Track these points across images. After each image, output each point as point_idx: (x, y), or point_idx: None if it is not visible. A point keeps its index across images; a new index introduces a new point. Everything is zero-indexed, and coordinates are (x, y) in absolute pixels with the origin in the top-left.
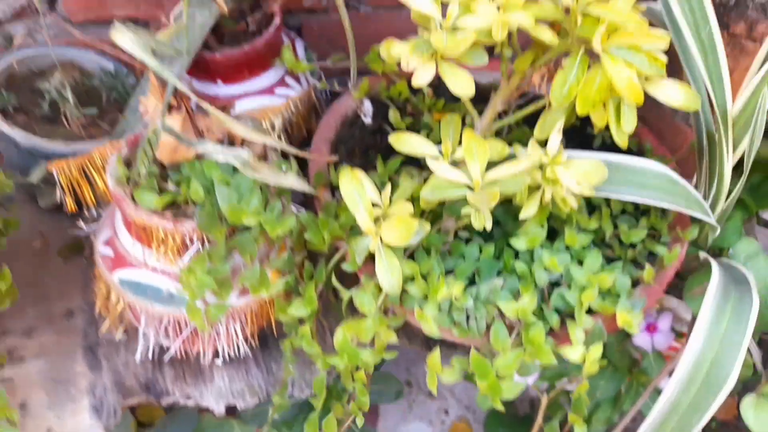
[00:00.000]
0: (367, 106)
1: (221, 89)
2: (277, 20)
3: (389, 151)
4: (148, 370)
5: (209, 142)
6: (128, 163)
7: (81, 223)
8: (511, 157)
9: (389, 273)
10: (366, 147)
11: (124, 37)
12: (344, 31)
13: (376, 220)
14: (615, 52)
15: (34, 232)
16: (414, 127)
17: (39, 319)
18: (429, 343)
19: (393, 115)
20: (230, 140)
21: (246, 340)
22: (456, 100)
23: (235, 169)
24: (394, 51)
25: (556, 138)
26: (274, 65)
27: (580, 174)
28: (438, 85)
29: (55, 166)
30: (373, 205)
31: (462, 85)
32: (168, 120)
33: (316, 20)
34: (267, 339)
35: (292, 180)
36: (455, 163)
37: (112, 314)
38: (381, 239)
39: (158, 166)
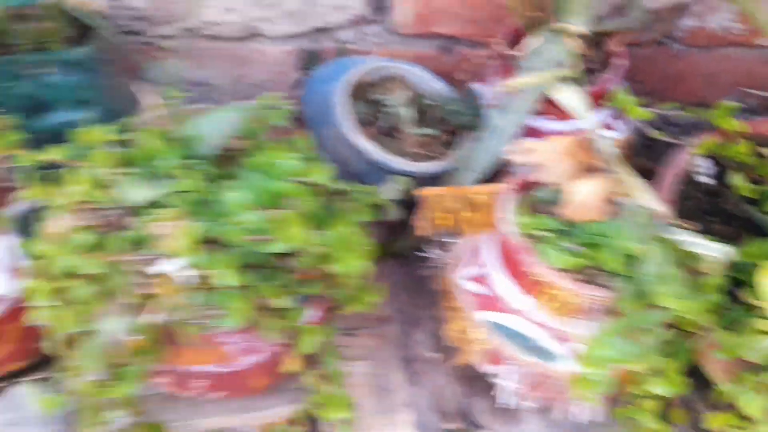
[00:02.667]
0: (706, 165)
1: (546, 124)
2: (620, 62)
3: (728, 218)
4: (461, 397)
5: (688, 233)
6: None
7: (432, 250)
8: None
9: None
10: (702, 211)
11: (570, 97)
12: (652, 68)
13: None
14: None
15: None
16: (759, 196)
17: (358, 318)
18: None
19: (737, 180)
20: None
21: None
22: None
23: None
24: None
25: None
26: (603, 106)
27: None
28: None
29: (428, 193)
30: None
31: None
32: (586, 183)
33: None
34: None
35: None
36: None
37: (469, 349)
38: None
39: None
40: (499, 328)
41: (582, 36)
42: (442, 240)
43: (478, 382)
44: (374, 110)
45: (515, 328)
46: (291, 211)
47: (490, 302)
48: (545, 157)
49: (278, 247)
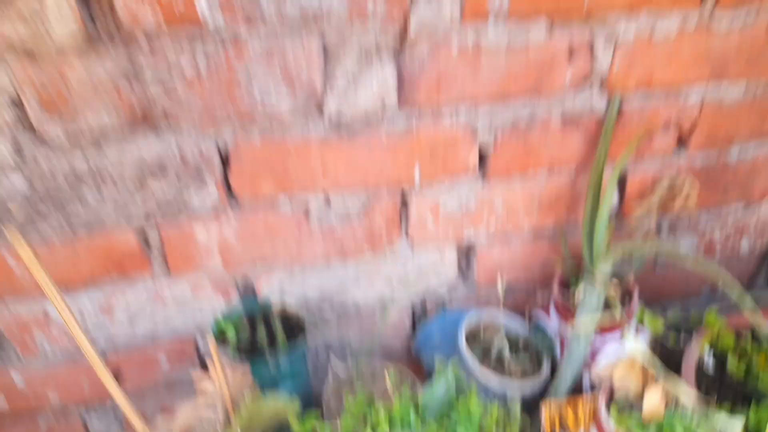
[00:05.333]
0: (708, 356)
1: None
2: (636, 291)
3: (735, 394)
4: None
5: (714, 410)
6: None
7: None
8: None
9: None
10: (717, 386)
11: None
12: (642, 283)
13: None
14: None
15: None
16: (747, 371)
17: None
18: None
19: (731, 362)
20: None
21: None
22: None
23: None
24: None
25: None
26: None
27: None
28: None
29: (548, 404)
30: None
31: None
32: (651, 392)
33: None
34: None
35: None
36: None
37: None
38: None
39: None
40: None
41: (610, 278)
42: None
43: None
44: (483, 348)
45: None
46: None
47: None
48: (621, 375)
49: None
